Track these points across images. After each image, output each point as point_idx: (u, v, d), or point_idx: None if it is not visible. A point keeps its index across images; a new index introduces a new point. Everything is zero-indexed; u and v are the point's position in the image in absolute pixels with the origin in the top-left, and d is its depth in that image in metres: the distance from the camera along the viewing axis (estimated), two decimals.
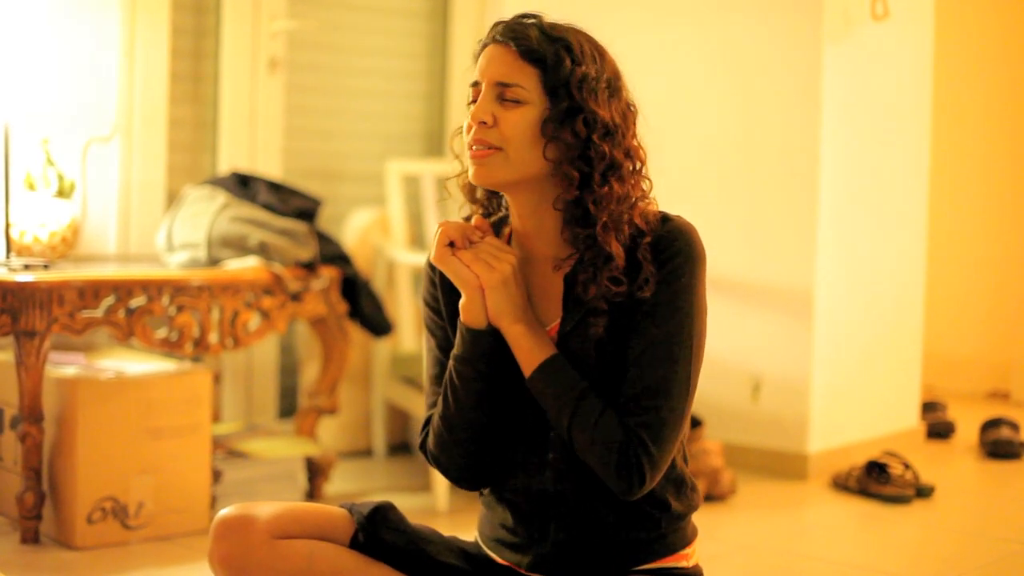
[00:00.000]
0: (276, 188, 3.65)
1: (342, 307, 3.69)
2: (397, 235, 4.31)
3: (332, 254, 3.69)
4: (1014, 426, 4.65)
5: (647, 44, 4.50)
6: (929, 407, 5.00)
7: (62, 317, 3.11)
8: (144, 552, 3.17)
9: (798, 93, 4.19)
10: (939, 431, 4.90)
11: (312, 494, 3.72)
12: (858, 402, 4.43)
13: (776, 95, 4.24)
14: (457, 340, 1.86)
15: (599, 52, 1.85)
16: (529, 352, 1.82)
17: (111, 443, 3.19)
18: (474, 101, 1.84)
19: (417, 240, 4.47)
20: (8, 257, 3.30)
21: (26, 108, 3.58)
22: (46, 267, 3.21)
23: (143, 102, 3.81)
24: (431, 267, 1.93)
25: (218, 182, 3.67)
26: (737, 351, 4.31)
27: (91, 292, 3.16)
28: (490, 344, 1.84)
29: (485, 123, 1.80)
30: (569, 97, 1.79)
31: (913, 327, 4.77)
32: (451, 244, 1.85)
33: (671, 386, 1.78)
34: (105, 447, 3.18)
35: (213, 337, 3.39)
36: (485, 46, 1.85)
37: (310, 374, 4.06)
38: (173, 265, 3.54)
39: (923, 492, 3.92)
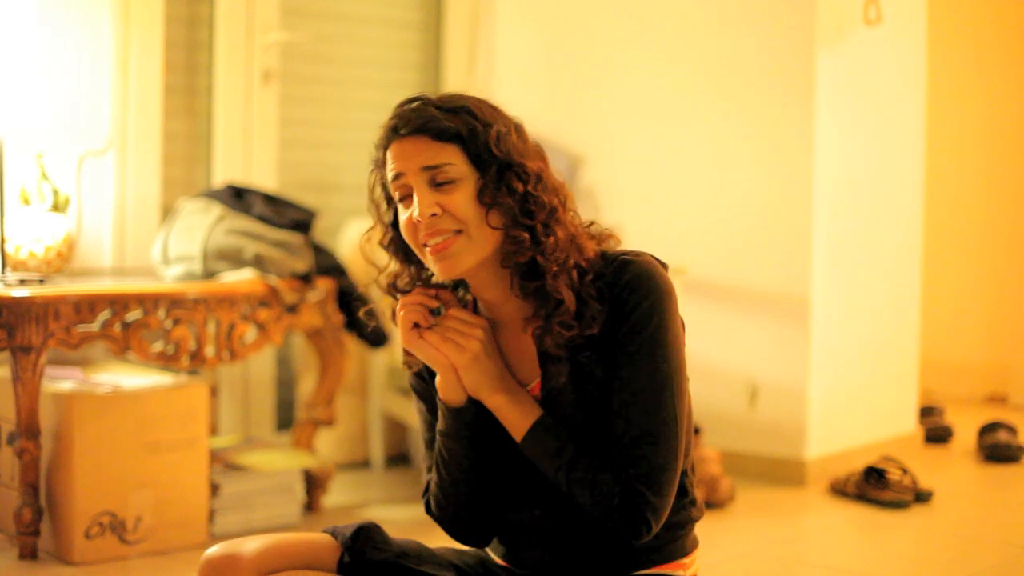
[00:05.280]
0: (271, 200, 3.65)
1: (338, 319, 3.69)
2: None
3: (328, 266, 3.69)
4: (1012, 430, 4.65)
5: (640, 53, 4.51)
6: (927, 411, 5.00)
7: (58, 332, 3.10)
8: (143, 567, 3.16)
9: (792, 98, 4.19)
10: (937, 435, 4.90)
11: (310, 506, 3.71)
12: (856, 407, 4.42)
13: (770, 100, 4.25)
14: (439, 416, 1.86)
15: (492, 106, 1.81)
16: (514, 420, 1.81)
17: (108, 458, 3.18)
18: (405, 197, 1.79)
19: None
20: (3, 272, 3.29)
21: (20, 123, 3.58)
22: (41, 282, 3.20)
23: (137, 116, 3.82)
24: None
25: (213, 195, 3.67)
26: (734, 358, 4.31)
27: (87, 306, 3.15)
28: (472, 417, 1.83)
29: (436, 214, 1.76)
30: (494, 159, 1.76)
31: (910, 332, 4.77)
32: (417, 325, 1.83)
33: (660, 432, 1.75)
34: (102, 462, 3.17)
35: (210, 350, 3.39)
36: (388, 145, 1.80)
37: (307, 386, 4.06)
38: (169, 278, 3.54)
39: (921, 497, 3.92)
